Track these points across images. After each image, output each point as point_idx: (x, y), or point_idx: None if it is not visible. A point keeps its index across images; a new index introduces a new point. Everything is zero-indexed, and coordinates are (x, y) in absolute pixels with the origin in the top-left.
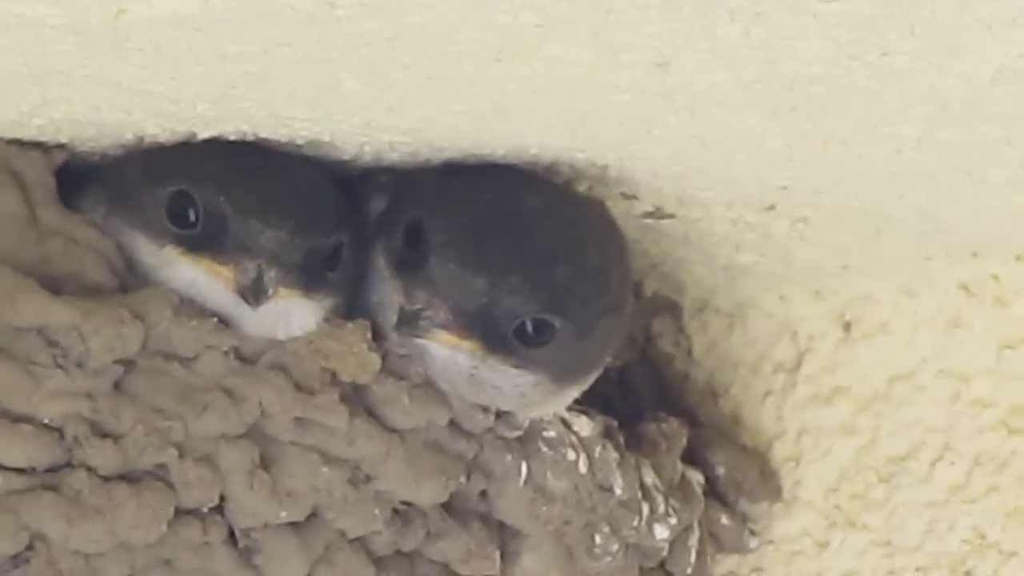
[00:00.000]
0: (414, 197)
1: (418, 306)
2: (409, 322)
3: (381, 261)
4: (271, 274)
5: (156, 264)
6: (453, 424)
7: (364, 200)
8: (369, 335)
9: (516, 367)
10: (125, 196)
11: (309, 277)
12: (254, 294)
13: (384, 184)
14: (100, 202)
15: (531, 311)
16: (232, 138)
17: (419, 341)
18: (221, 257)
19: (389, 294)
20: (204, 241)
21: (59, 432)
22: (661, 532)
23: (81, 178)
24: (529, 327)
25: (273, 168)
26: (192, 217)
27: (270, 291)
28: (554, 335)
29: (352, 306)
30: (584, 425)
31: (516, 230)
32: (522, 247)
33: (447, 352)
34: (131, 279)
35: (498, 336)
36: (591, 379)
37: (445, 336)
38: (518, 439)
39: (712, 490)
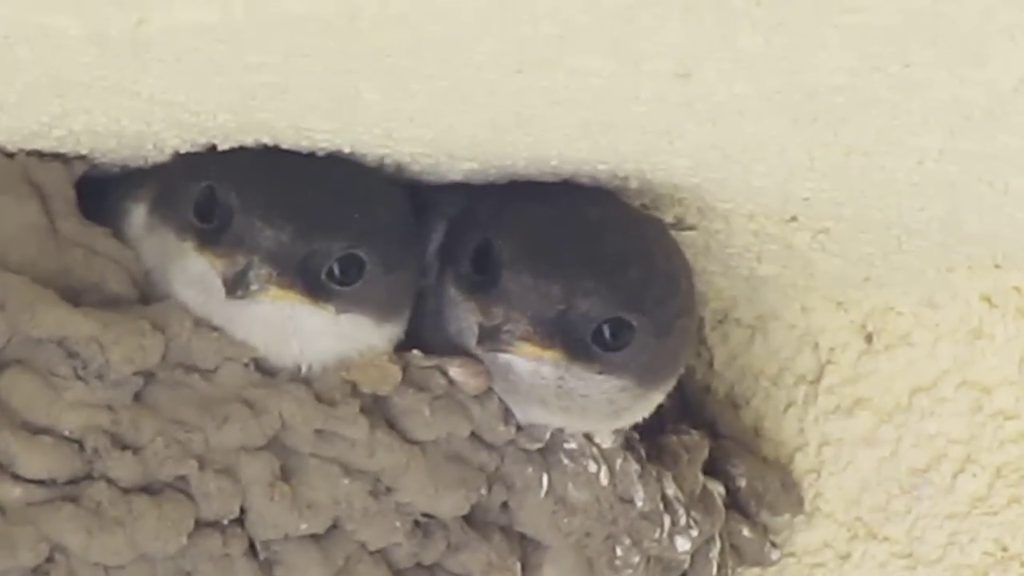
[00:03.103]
0: (476, 223)
1: (497, 321)
2: (490, 337)
3: (452, 290)
4: (262, 271)
5: (176, 257)
6: (474, 436)
7: (425, 231)
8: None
9: (600, 373)
10: (166, 194)
11: (310, 281)
12: (233, 284)
13: (442, 214)
14: (143, 202)
15: (609, 312)
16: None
17: (503, 357)
18: (219, 250)
19: (465, 318)
20: (214, 236)
21: (79, 444)
22: (683, 544)
23: (113, 185)
24: (607, 331)
25: (305, 173)
26: (212, 214)
27: (254, 286)
28: (633, 336)
29: (430, 342)
30: (605, 437)
31: (583, 238)
32: (592, 253)
33: (532, 365)
34: (151, 290)
35: (578, 342)
36: (671, 384)
37: (528, 348)
38: (539, 451)
39: (733, 502)
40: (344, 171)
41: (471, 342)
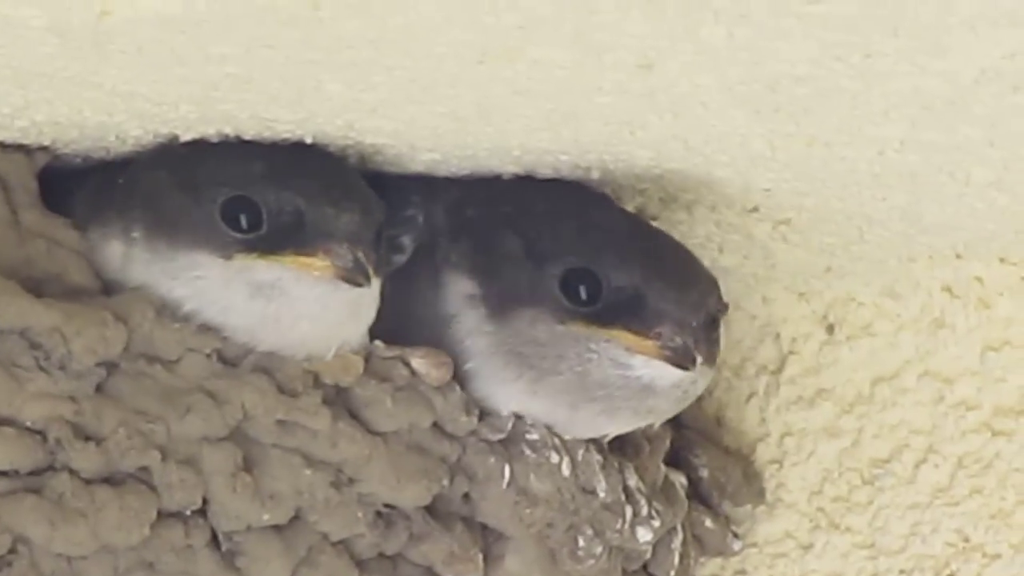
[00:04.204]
0: (530, 256)
1: (679, 341)
2: (686, 358)
3: (553, 324)
4: (359, 254)
5: (224, 274)
6: (436, 426)
7: (436, 271)
8: None
9: (710, 367)
10: (166, 217)
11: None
12: (361, 272)
13: (457, 261)
14: (120, 239)
15: (718, 309)
16: (217, 139)
17: (649, 373)
18: (306, 249)
19: (603, 348)
20: (279, 239)
21: (42, 435)
22: (644, 534)
23: (74, 189)
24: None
25: (312, 160)
26: (244, 223)
27: (368, 269)
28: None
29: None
30: None
31: (660, 242)
32: (681, 255)
33: (676, 376)
34: (113, 281)
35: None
36: None
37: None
38: (501, 442)
39: (695, 492)
40: (315, 151)
41: (601, 369)
